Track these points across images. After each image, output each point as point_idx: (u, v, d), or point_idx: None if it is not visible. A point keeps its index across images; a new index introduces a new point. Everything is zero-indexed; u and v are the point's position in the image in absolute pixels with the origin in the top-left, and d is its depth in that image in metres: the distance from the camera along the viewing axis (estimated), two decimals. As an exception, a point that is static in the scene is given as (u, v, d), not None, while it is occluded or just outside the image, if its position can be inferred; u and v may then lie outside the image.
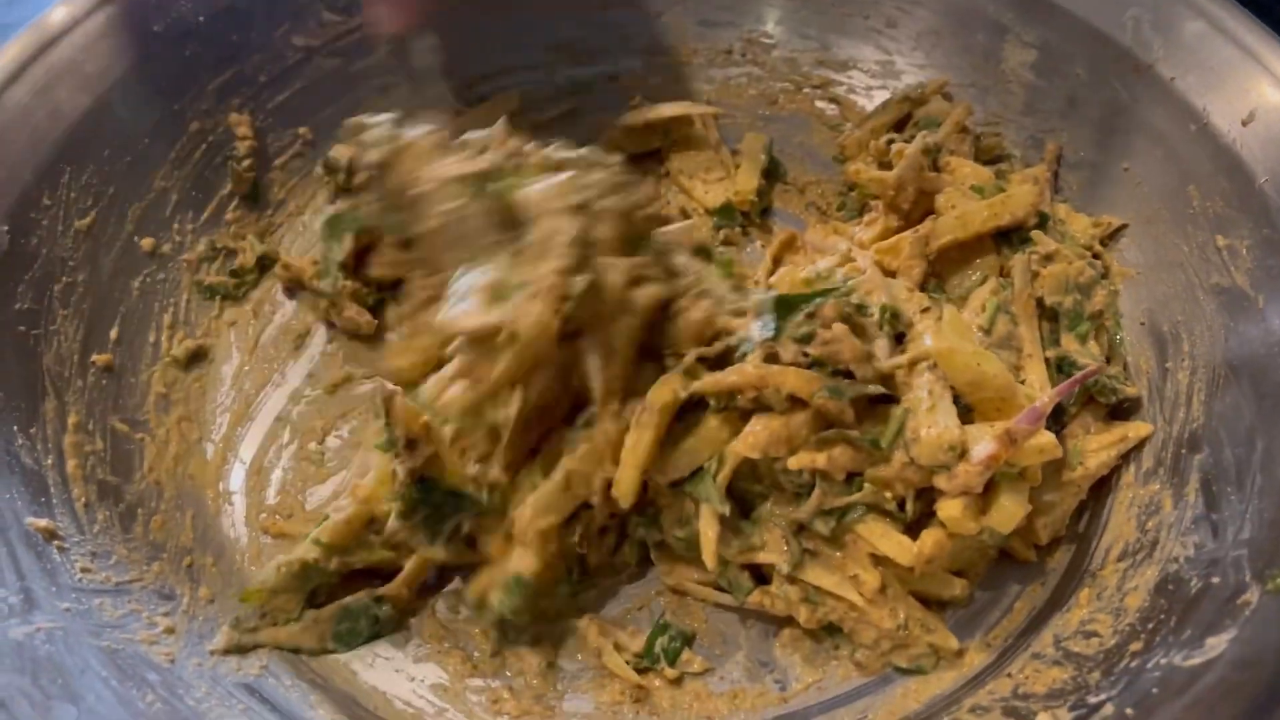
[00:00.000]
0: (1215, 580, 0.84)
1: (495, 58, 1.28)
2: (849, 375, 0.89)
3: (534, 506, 0.91)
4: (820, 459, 0.89)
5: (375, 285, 1.16)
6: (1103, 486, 1.00)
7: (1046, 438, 0.87)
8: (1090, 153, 1.14)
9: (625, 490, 0.90)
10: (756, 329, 0.93)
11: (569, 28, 1.28)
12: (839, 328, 0.89)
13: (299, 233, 1.24)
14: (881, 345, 0.93)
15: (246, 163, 1.20)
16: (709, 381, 0.91)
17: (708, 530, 0.91)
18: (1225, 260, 0.99)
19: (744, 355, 0.92)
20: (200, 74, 1.18)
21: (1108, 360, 1.02)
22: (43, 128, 1.05)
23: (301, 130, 1.25)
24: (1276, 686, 0.71)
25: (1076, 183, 1.16)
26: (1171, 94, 1.06)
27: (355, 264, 1.15)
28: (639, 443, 0.90)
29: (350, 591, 0.97)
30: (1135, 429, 1.00)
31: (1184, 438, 0.97)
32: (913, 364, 0.91)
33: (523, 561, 0.92)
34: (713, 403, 0.91)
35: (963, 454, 0.86)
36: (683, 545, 0.95)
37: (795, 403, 0.90)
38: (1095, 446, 0.98)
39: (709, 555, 0.91)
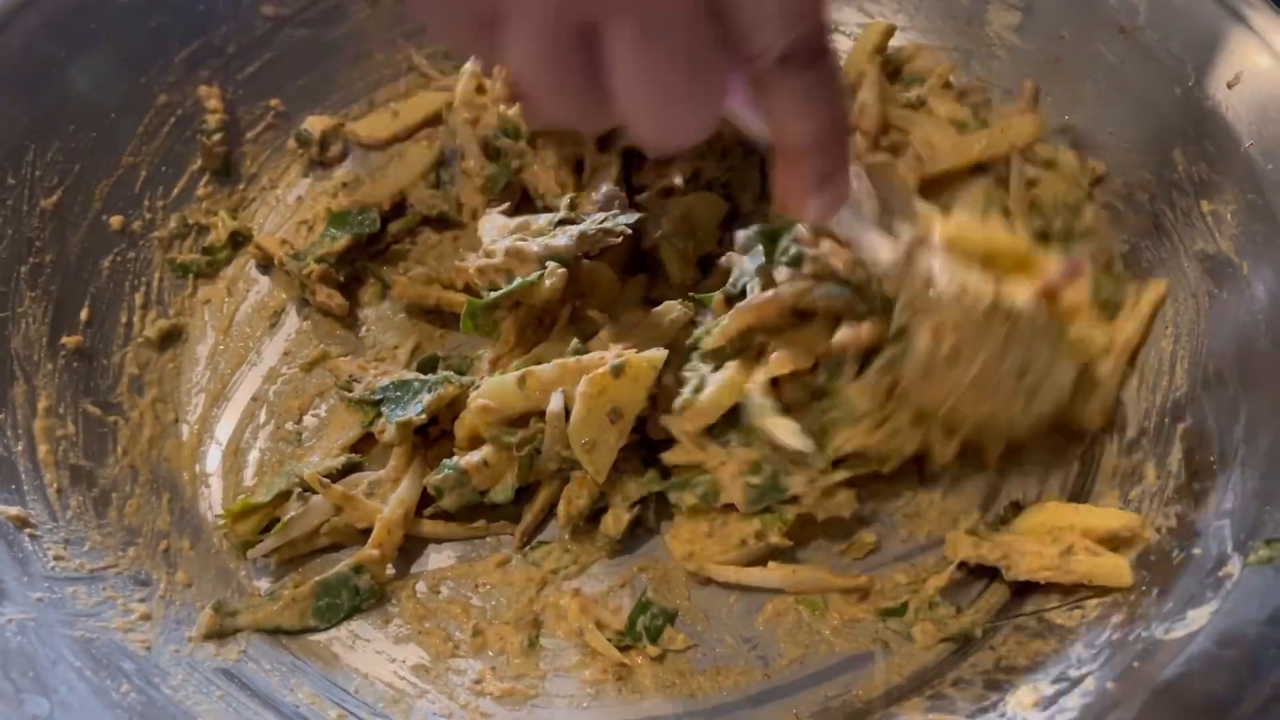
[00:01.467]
0: (1197, 551, 0.83)
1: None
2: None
3: (483, 389, 0.96)
4: (859, 332, 0.89)
5: (348, 265, 1.16)
6: (1089, 457, 0.99)
7: (1082, 295, 0.87)
8: (1074, 116, 1.13)
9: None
10: (748, 263, 0.94)
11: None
12: (825, 243, 0.90)
13: (272, 207, 1.22)
14: (874, 239, 0.90)
15: (217, 137, 1.18)
16: (719, 336, 0.94)
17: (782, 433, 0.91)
18: (1210, 226, 0.98)
19: (743, 291, 0.94)
20: (167, 45, 1.16)
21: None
22: (4, 105, 1.03)
23: (273, 102, 1.23)
24: (1257, 661, 0.71)
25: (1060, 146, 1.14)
26: (1157, 56, 1.04)
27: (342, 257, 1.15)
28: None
29: (327, 567, 0.97)
30: (1153, 288, 1.00)
31: (1167, 406, 0.96)
32: (914, 249, 0.88)
33: (459, 432, 0.98)
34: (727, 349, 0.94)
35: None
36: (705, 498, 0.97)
37: (802, 317, 0.91)
38: (1121, 318, 0.98)
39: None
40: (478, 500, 0.99)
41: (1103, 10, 1.09)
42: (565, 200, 1.08)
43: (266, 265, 1.17)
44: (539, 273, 0.98)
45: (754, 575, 0.96)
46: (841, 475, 0.95)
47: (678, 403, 0.95)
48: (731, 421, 0.95)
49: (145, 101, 1.14)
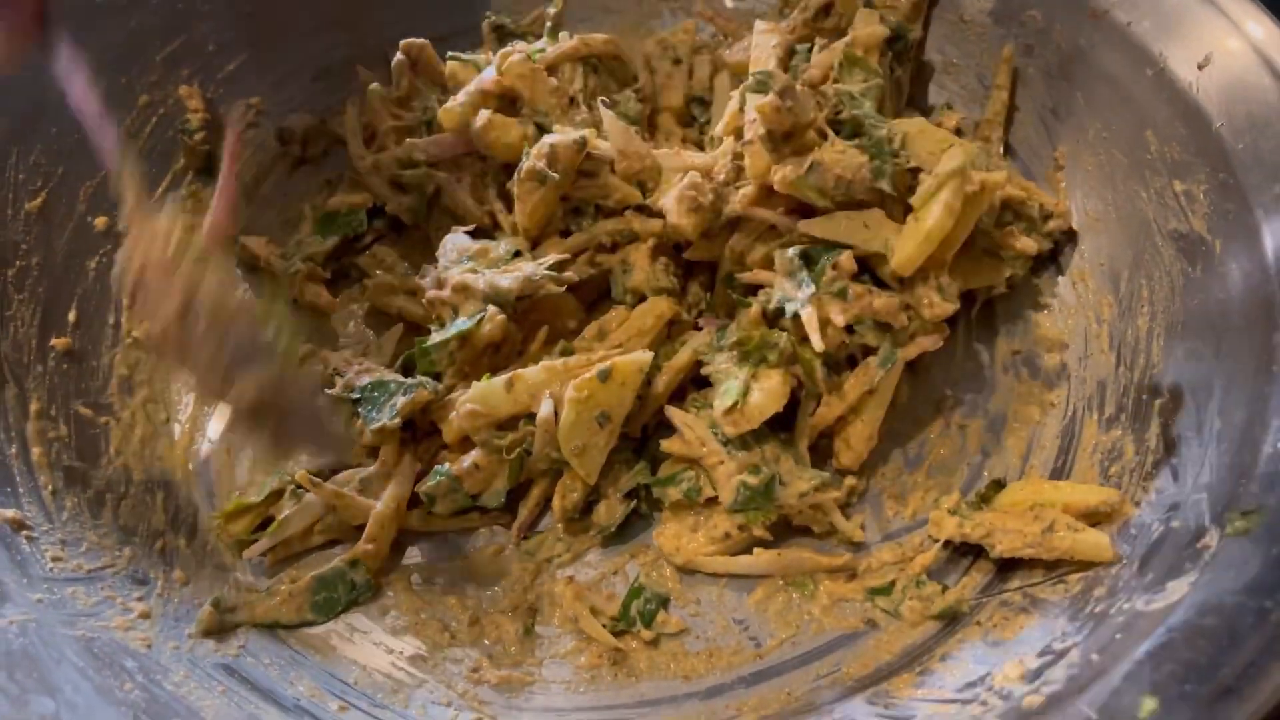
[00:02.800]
0: (1175, 524, 0.85)
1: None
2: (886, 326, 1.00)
3: (472, 394, 0.98)
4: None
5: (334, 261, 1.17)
6: (1069, 435, 1.02)
7: None
8: (1047, 98, 1.14)
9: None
10: (791, 287, 0.98)
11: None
12: (858, 289, 0.97)
13: (257, 205, 1.22)
14: None
15: (199, 135, 1.18)
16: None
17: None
18: (1183, 205, 0.99)
19: (794, 315, 0.97)
20: (146, 45, 1.16)
21: None
22: (-15, 107, 1.03)
23: (253, 100, 1.23)
24: (1236, 630, 0.73)
25: (1033, 128, 1.16)
26: (1128, 39, 1.06)
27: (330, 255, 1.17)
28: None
29: (322, 562, 0.98)
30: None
31: (1144, 383, 0.98)
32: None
33: (448, 435, 1.00)
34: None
35: None
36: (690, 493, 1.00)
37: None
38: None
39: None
40: (470, 505, 1.00)
41: (1074, -7, 1.10)
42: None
43: (253, 266, 1.18)
44: (478, 316, 1.00)
45: (741, 564, 0.98)
46: (832, 494, 0.98)
47: (718, 403, 0.97)
48: None
49: (127, 101, 1.14)
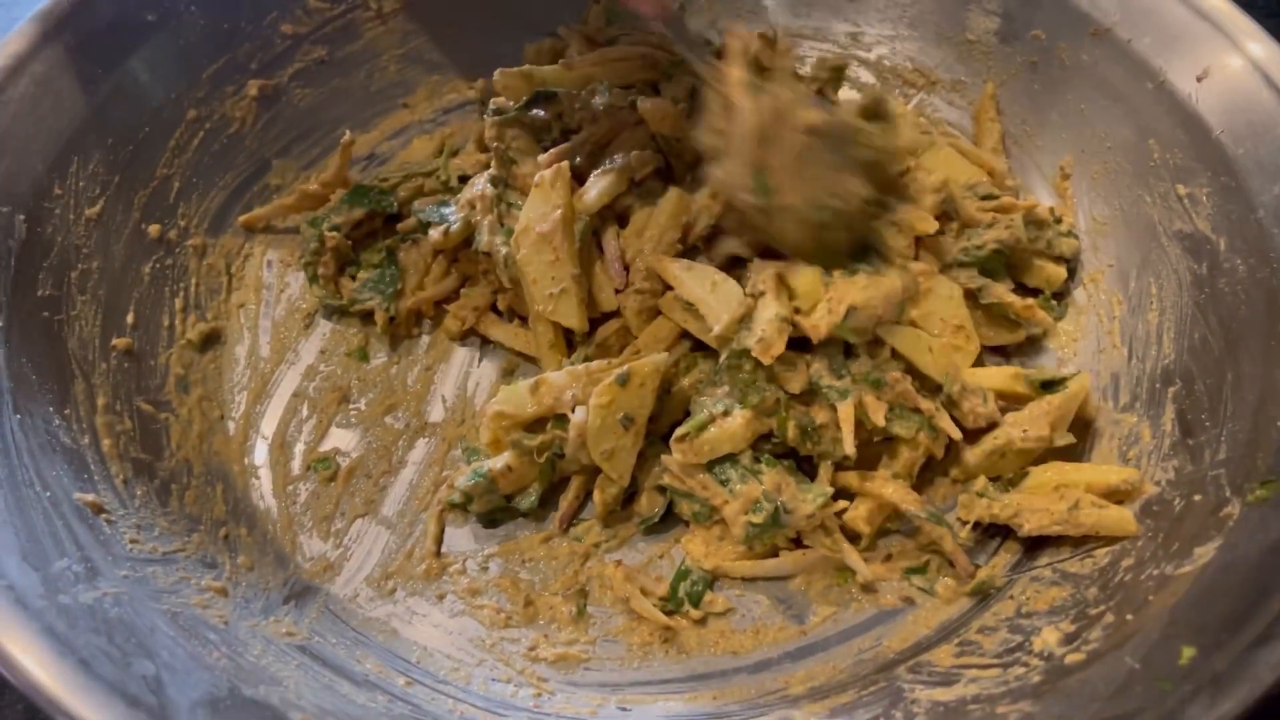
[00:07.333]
0: (1197, 498, 0.91)
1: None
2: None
3: (499, 396, 1.03)
4: None
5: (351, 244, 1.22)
6: (1085, 425, 1.07)
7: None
8: (1053, 112, 1.21)
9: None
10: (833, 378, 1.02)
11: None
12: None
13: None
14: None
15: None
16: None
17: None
18: (1186, 208, 1.06)
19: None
20: (194, 63, 1.20)
21: None
22: (49, 119, 1.07)
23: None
24: (1263, 583, 0.78)
25: (1040, 140, 1.22)
26: (1129, 54, 1.13)
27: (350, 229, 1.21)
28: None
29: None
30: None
31: (1157, 373, 1.04)
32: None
33: (482, 438, 1.06)
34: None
35: None
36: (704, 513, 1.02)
37: None
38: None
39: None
40: (504, 505, 1.04)
41: (1076, 12, 1.17)
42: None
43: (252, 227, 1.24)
44: None
45: (768, 566, 1.01)
46: (841, 505, 1.00)
47: (678, 430, 1.00)
48: (731, 459, 1.00)
49: (176, 116, 1.18)
